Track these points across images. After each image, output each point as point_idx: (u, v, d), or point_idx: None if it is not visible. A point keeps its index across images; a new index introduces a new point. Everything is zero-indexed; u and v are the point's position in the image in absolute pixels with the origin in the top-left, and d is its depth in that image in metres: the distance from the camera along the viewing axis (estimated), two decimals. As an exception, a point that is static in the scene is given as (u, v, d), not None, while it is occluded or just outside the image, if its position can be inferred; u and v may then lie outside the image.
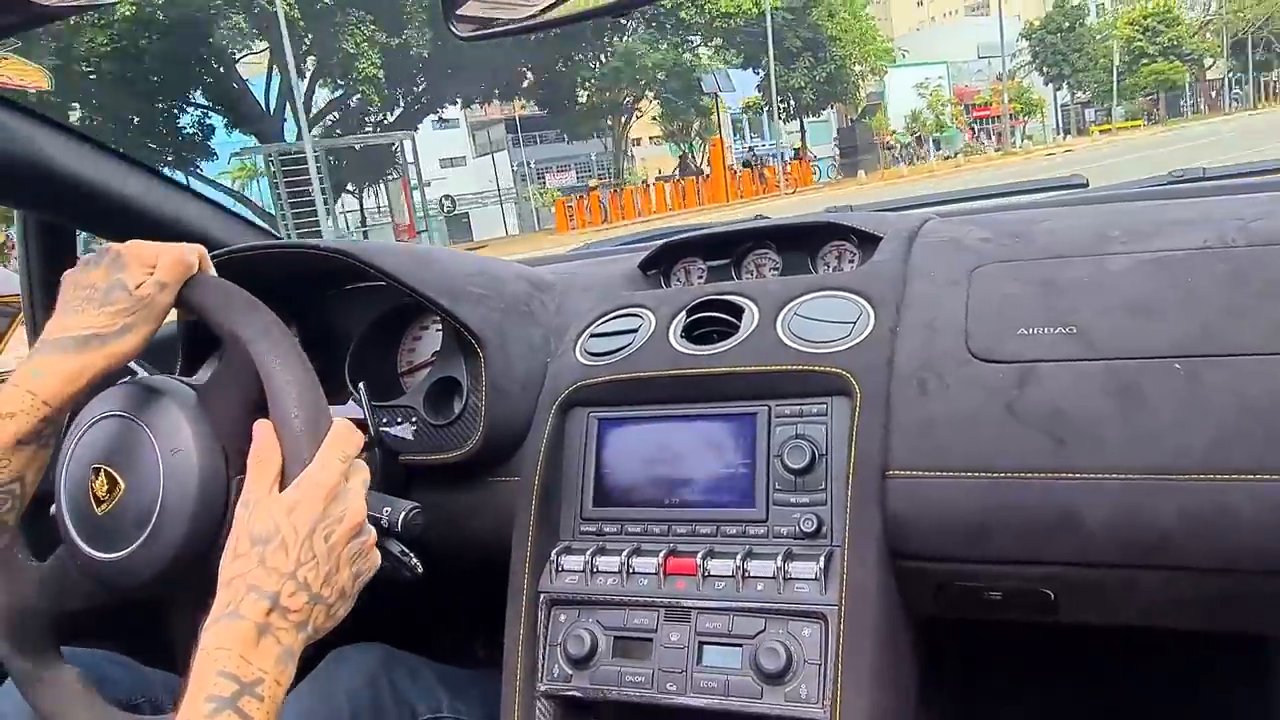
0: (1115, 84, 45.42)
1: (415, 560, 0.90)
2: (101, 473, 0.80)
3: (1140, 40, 46.93)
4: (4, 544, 0.83)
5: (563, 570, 0.94)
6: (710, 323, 1.02)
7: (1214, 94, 51.15)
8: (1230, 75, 51.60)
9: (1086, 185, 1.50)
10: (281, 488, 0.69)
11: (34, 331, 1.29)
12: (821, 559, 0.85)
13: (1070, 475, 0.80)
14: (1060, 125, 48.20)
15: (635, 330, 1.03)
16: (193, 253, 0.81)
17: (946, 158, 34.41)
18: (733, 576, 0.87)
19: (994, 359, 0.88)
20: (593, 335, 1.06)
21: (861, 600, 0.83)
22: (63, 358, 0.74)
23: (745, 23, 25.35)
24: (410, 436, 1.06)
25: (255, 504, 0.68)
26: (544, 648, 0.93)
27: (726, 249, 1.21)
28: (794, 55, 28.02)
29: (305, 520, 0.67)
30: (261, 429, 0.72)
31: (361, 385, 0.94)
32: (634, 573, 0.91)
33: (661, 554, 0.90)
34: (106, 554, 0.80)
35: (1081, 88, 46.99)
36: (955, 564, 0.86)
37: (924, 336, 0.93)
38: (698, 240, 1.22)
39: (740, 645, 0.86)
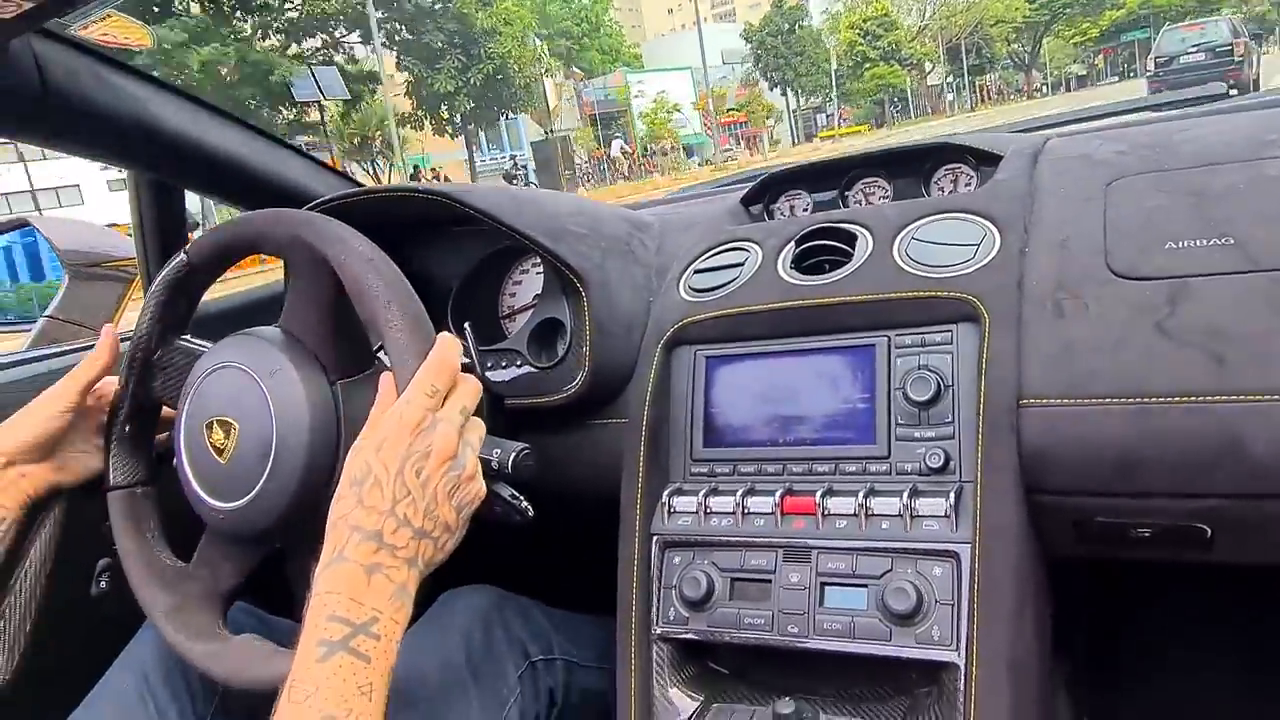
0: (835, 87, 44.10)
1: (526, 504, 0.89)
2: (215, 424, 0.82)
3: (862, 44, 45.57)
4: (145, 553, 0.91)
5: (675, 512, 0.91)
6: (821, 252, 0.97)
7: (935, 98, 51.11)
8: (946, 79, 51.27)
9: (1226, 94, 1.38)
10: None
11: (147, 287, 1.33)
12: (951, 495, 0.80)
13: (1234, 398, 0.72)
14: (794, 131, 47.08)
15: (741, 264, 0.99)
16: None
17: (703, 164, 32.59)
18: (855, 515, 0.83)
19: (1139, 276, 0.80)
20: (696, 271, 1.02)
21: (996, 538, 0.78)
22: None
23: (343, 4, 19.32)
24: (515, 379, 1.04)
25: (355, 447, 0.69)
26: (658, 590, 0.91)
27: (833, 179, 1.15)
28: (438, 54, 22.76)
29: (394, 457, 0.67)
30: (384, 381, 0.73)
31: (467, 326, 0.93)
32: (749, 513, 0.88)
33: (778, 494, 0.86)
34: (234, 502, 0.81)
35: (808, 92, 45.67)
36: (1098, 498, 0.79)
37: (1057, 256, 0.86)
38: (801, 171, 1.16)
39: (865, 586, 0.82)
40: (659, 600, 0.90)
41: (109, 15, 0.96)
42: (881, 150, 1.14)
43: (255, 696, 0.97)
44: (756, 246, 1.00)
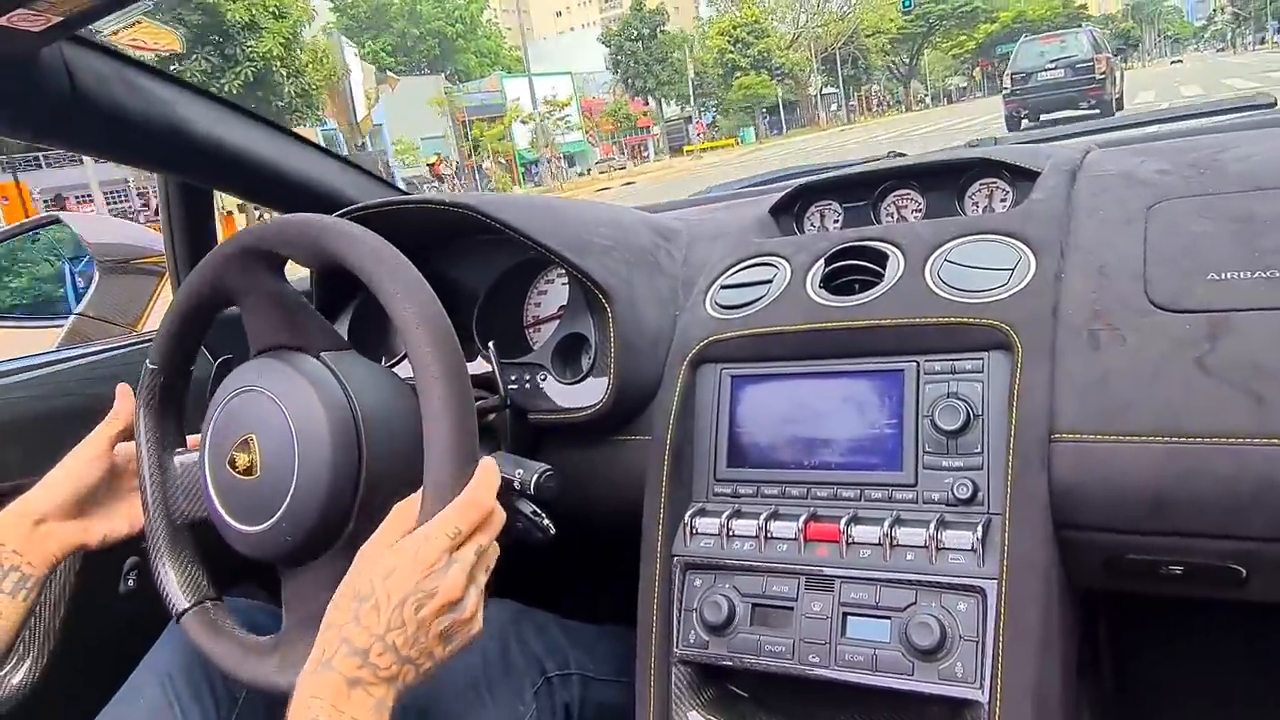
0: (693, 96, 42.14)
1: (547, 521, 0.89)
2: (241, 447, 0.82)
3: (732, 52, 43.64)
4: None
5: (697, 533, 0.91)
6: (851, 271, 0.95)
7: (813, 109, 49.84)
8: (821, 90, 49.82)
9: (1275, 104, 1.33)
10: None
11: (176, 287, 1.33)
12: (979, 528, 0.78)
13: (1273, 440, 0.70)
14: (656, 144, 45.66)
15: (769, 281, 0.97)
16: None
17: (581, 174, 31.62)
18: (879, 545, 0.82)
19: (1180, 308, 0.78)
20: (723, 287, 1.01)
21: (1024, 574, 0.76)
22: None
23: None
24: (538, 394, 1.04)
25: (367, 556, 0.71)
26: (679, 612, 0.90)
27: (865, 190, 1.13)
28: (180, 54, 17.03)
29: (399, 588, 0.68)
30: (406, 503, 0.73)
31: (491, 345, 0.92)
32: (772, 537, 0.87)
33: (802, 519, 0.85)
34: (249, 526, 0.81)
35: (676, 101, 43.64)
36: (1130, 536, 0.78)
37: (1094, 283, 0.83)
38: (834, 182, 1.14)
39: (889, 618, 0.81)
40: (679, 622, 0.90)
41: (138, 21, 0.96)
42: (915, 163, 1.12)
43: (275, 701, 0.98)
44: (785, 262, 0.99)
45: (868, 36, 50.50)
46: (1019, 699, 0.74)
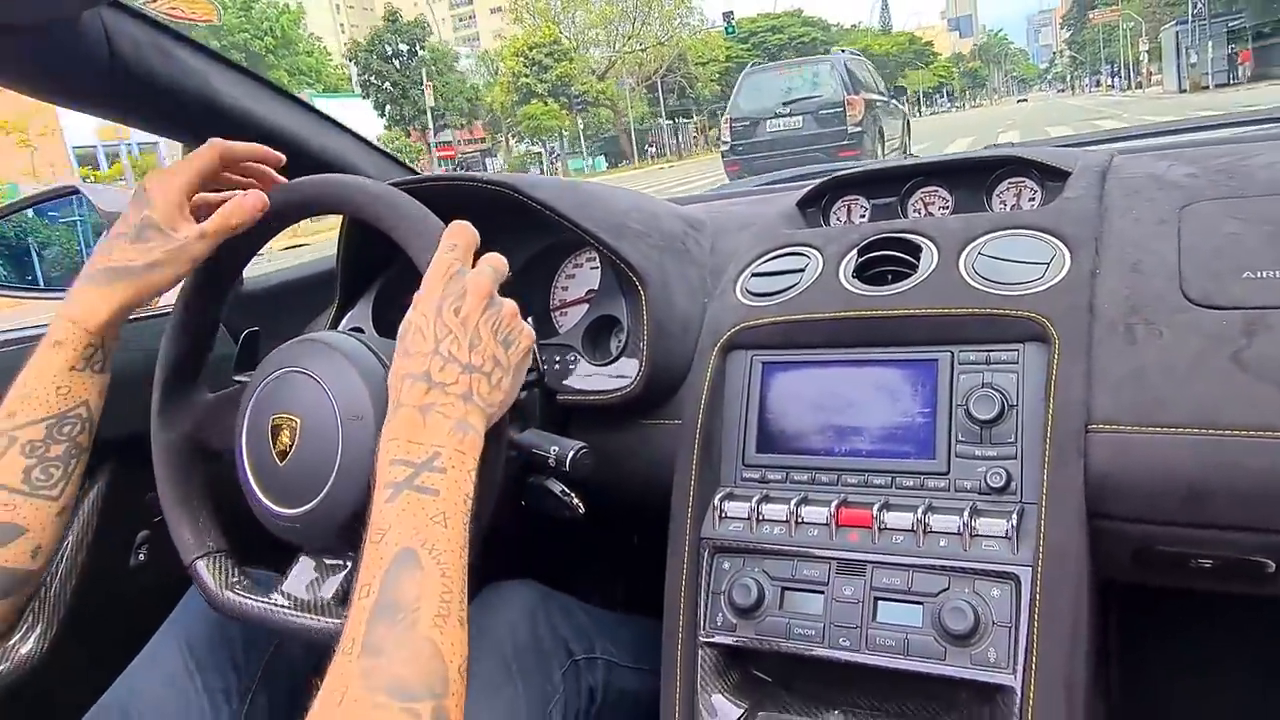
0: (432, 122, 35.94)
1: (576, 500, 0.89)
2: (283, 428, 0.81)
3: (527, 76, 38.53)
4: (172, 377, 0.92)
5: (726, 517, 0.91)
6: (883, 262, 0.96)
7: (638, 141, 44.33)
8: (640, 124, 44.31)
9: None
10: None
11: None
12: (1013, 516, 0.79)
13: None
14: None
15: (802, 270, 0.98)
16: (257, 207, 0.83)
17: None
18: (912, 531, 0.82)
19: (1215, 304, 0.79)
20: (754, 275, 1.01)
21: (1059, 563, 0.77)
22: (93, 289, 0.79)
23: None
24: (568, 374, 1.04)
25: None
26: (706, 595, 0.90)
27: (892, 186, 1.14)
28: None
29: (430, 304, 0.70)
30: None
31: (529, 320, 0.92)
32: (803, 522, 0.87)
33: (833, 504, 0.86)
34: (285, 509, 0.81)
35: (445, 129, 37.93)
36: (1162, 527, 0.79)
37: (1129, 279, 0.85)
38: (863, 176, 1.15)
39: (921, 603, 0.81)
40: (707, 605, 0.90)
41: (172, -10, 0.95)
42: (944, 159, 1.13)
43: (299, 666, 0.98)
44: (817, 252, 0.99)
45: (698, 64, 46.36)
46: (1051, 685, 0.75)
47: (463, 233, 0.75)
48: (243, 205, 0.83)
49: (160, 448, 0.91)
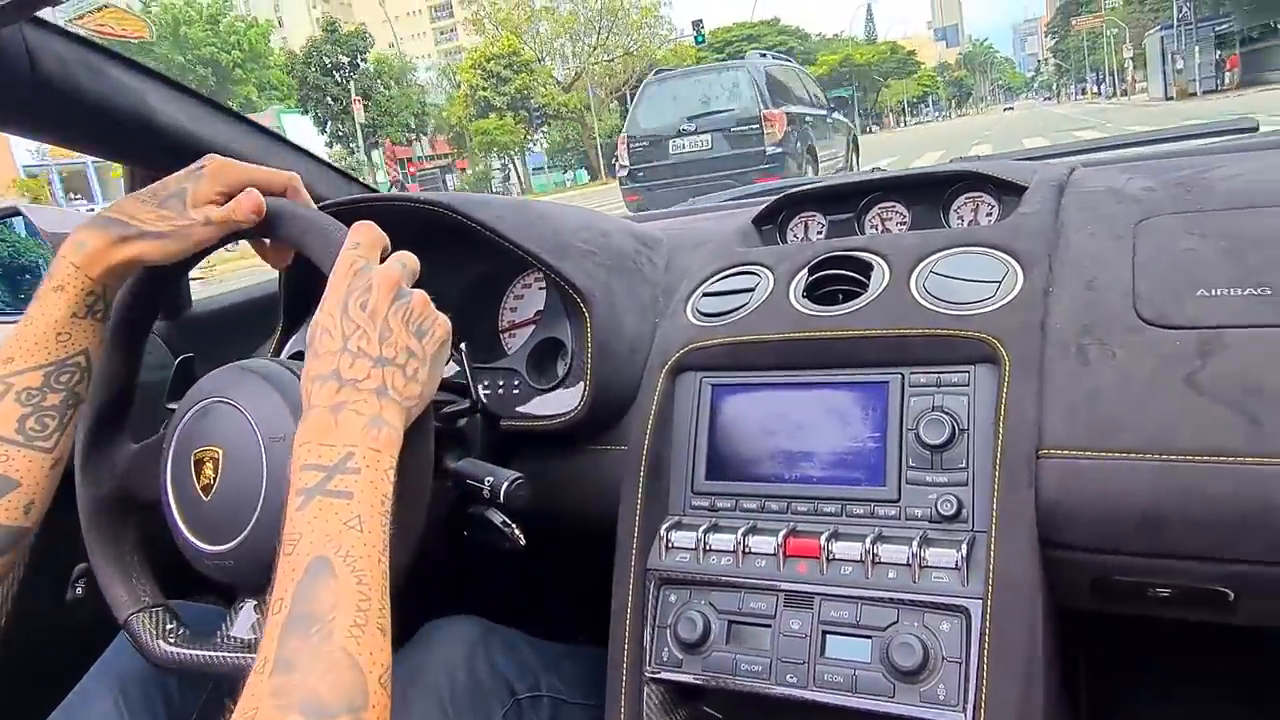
0: (363, 140, 33.37)
1: (517, 531, 0.86)
2: (205, 461, 0.78)
3: (485, 89, 36.14)
4: (95, 429, 0.87)
5: (673, 547, 0.88)
6: (835, 281, 0.93)
7: (606, 157, 39.19)
8: (608, 138, 38.71)
9: (1257, 129, 1.34)
10: None
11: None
12: (963, 546, 0.76)
13: (1267, 460, 0.68)
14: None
15: (752, 289, 0.95)
16: (254, 209, 0.78)
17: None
18: (861, 561, 0.79)
19: (1170, 324, 0.77)
20: (705, 294, 0.98)
21: (1010, 595, 0.74)
22: (100, 235, 0.75)
23: None
24: (511, 400, 1.01)
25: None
26: (652, 629, 0.87)
27: (849, 202, 1.11)
28: None
29: (335, 303, 0.67)
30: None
31: (464, 346, 0.89)
32: (750, 553, 0.84)
33: (781, 534, 0.83)
34: (214, 545, 0.77)
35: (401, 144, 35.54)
36: (1118, 556, 0.76)
37: (1083, 298, 0.82)
38: (817, 193, 1.12)
39: (870, 637, 0.78)
40: (653, 639, 0.87)
41: (105, 6, 0.92)
42: (900, 175, 1.10)
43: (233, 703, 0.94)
44: (768, 271, 0.97)
45: None
46: None
47: (366, 231, 0.72)
48: (242, 204, 0.79)
49: (87, 505, 0.87)
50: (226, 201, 0.78)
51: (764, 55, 10.27)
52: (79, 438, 0.87)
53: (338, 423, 0.63)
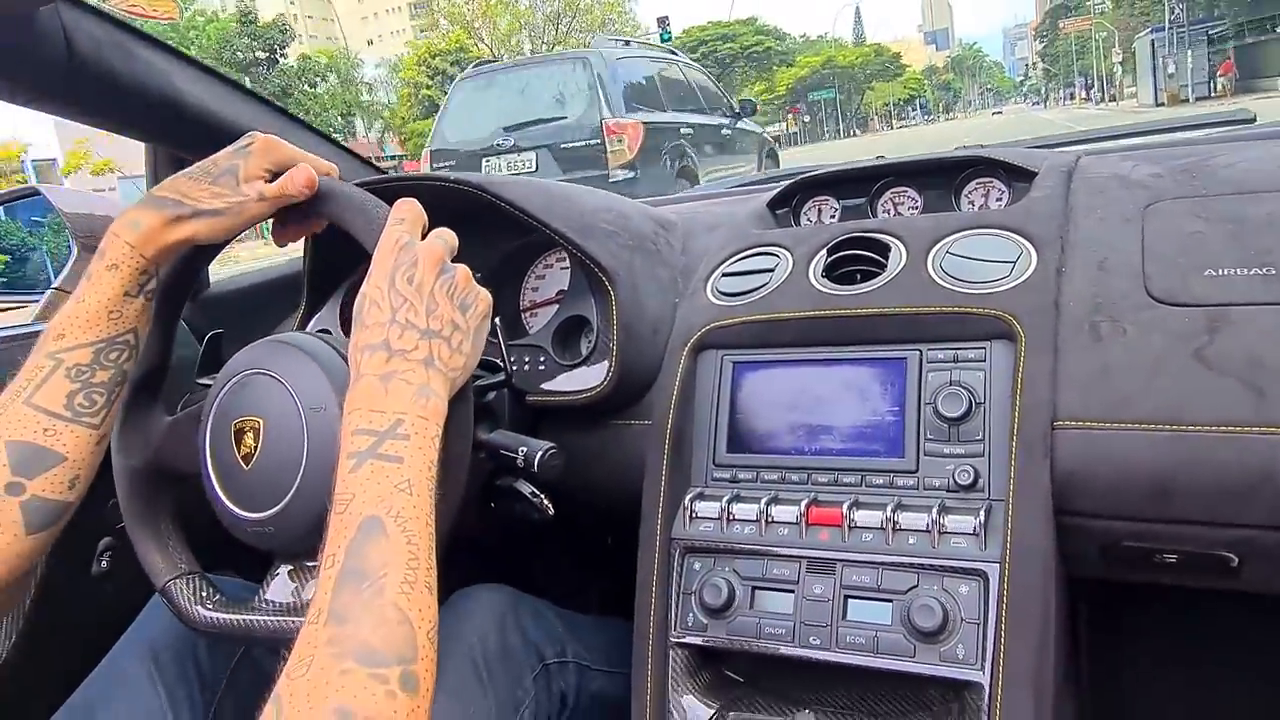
0: (350, 136, 30.03)
1: (546, 502, 0.88)
2: (246, 431, 0.80)
3: (429, 88, 33.42)
4: (131, 401, 0.87)
5: (697, 517, 0.90)
6: (852, 261, 0.96)
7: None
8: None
9: (1254, 120, 1.38)
10: None
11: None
12: (981, 513, 0.79)
13: (1272, 430, 0.72)
14: None
15: (771, 270, 0.98)
16: (308, 183, 0.80)
17: None
18: (881, 529, 0.82)
19: (1178, 302, 0.80)
20: (725, 275, 1.01)
21: (1026, 559, 0.77)
22: (155, 214, 0.76)
23: None
24: (537, 375, 1.03)
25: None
26: (677, 596, 0.90)
27: (862, 187, 1.14)
28: None
29: (383, 276, 0.69)
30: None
31: (497, 321, 0.92)
32: (773, 521, 0.87)
33: (803, 503, 0.86)
34: (255, 513, 0.79)
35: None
36: (1128, 523, 0.79)
37: (1094, 278, 0.85)
38: (832, 177, 1.15)
39: (890, 600, 0.81)
40: (678, 606, 0.90)
41: (137, -13, 0.94)
42: (912, 160, 1.13)
43: (264, 673, 0.96)
44: (787, 252, 0.99)
45: None
46: (1019, 681, 0.75)
47: (409, 208, 0.75)
48: (295, 179, 0.80)
49: (123, 476, 0.89)
50: (274, 178, 0.80)
51: (625, 43, 8.13)
52: (121, 406, 0.89)
53: (388, 391, 0.65)
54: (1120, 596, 1.15)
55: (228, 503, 0.81)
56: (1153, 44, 32.82)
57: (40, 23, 0.90)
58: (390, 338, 0.67)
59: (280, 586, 0.83)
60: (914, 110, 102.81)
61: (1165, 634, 1.21)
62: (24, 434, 0.73)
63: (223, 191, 0.78)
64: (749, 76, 57.36)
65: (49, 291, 1.34)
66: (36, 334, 1.22)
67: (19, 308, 1.44)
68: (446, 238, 0.75)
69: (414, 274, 0.70)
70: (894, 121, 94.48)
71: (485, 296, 0.75)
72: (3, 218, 1.36)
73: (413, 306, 0.69)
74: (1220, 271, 0.81)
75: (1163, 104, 30.56)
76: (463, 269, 0.74)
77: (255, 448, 0.79)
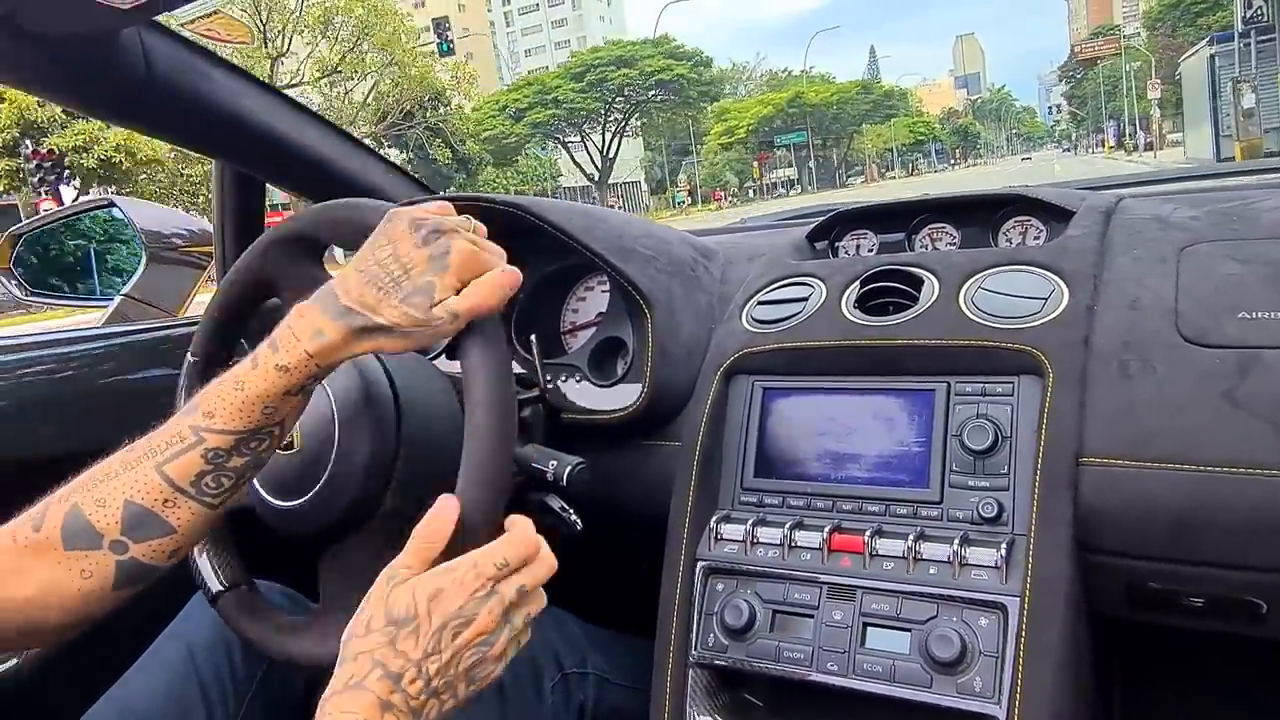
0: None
1: (575, 517, 0.90)
2: None
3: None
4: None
5: (721, 539, 0.92)
6: (885, 294, 0.97)
7: None
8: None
9: None
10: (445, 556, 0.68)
11: (223, 276, 1.37)
12: (1003, 546, 0.80)
13: None
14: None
15: (805, 299, 1.00)
16: (502, 291, 0.74)
17: None
18: (903, 558, 0.83)
19: (1210, 343, 0.80)
20: (760, 303, 1.03)
21: (1047, 594, 0.77)
22: (341, 328, 0.71)
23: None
24: (573, 394, 1.06)
25: (400, 582, 0.66)
26: (699, 616, 0.91)
27: (901, 221, 1.16)
28: None
29: (442, 611, 0.65)
30: (443, 504, 0.69)
31: (533, 338, 0.95)
32: (796, 546, 0.88)
33: (826, 529, 0.87)
34: (288, 502, 0.84)
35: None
36: (1152, 562, 0.79)
37: (1126, 316, 0.86)
38: (871, 211, 1.17)
39: (909, 630, 0.82)
40: (699, 626, 0.91)
41: (215, 12, 1.00)
42: (951, 196, 1.14)
43: (291, 677, 0.99)
44: (821, 282, 1.01)
45: (468, 117, 36.09)
46: (1035, 716, 0.75)
47: (521, 546, 0.70)
48: (500, 284, 0.74)
49: None
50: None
51: None
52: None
53: (383, 718, 0.62)
54: (1156, 642, 1.13)
55: (262, 492, 0.87)
56: (1212, 62, 19.37)
57: (122, 43, 0.97)
58: (405, 677, 0.63)
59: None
60: (926, 157, 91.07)
61: (1202, 684, 1.18)
62: (144, 499, 0.71)
63: (412, 313, 0.70)
64: (678, 113, 46.20)
65: (118, 298, 1.42)
66: (100, 337, 1.28)
67: (91, 309, 1.52)
68: (529, 580, 0.70)
69: (462, 633, 0.66)
70: (897, 169, 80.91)
71: (497, 674, 0.70)
72: (79, 226, 1.44)
73: (439, 663, 0.64)
74: (1254, 314, 0.81)
75: (1230, 158, 16.99)
76: (503, 642, 0.68)
77: (292, 437, 0.84)
